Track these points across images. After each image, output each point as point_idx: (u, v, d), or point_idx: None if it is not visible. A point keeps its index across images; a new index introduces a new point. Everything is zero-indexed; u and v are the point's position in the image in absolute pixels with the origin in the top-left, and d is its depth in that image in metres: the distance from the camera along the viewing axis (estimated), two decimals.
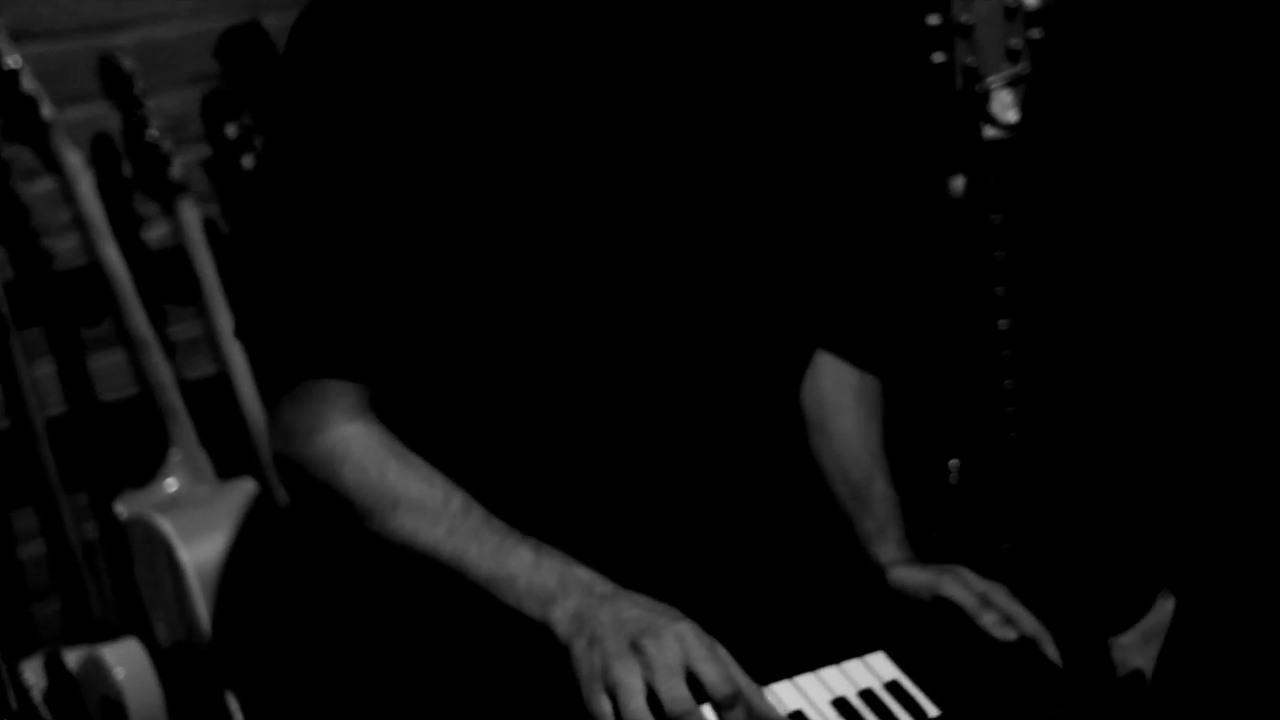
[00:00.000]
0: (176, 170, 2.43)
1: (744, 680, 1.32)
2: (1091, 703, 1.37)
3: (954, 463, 1.83)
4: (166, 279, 2.57)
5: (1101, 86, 1.77)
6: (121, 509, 2.43)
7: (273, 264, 1.50)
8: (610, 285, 1.48)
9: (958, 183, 1.76)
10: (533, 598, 1.41)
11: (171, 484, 2.45)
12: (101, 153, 2.56)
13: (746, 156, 1.53)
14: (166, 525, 2.30)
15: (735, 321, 1.55)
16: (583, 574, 1.42)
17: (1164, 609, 1.53)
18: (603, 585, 1.40)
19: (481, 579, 1.44)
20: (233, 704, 2.34)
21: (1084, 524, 1.84)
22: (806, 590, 1.57)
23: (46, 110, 2.33)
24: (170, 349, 2.58)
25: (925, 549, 1.63)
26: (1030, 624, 1.47)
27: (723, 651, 1.33)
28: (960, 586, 1.50)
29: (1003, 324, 1.72)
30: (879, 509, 1.60)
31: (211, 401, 2.56)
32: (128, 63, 2.44)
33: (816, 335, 1.67)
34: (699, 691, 1.30)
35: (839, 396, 1.65)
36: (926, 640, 1.46)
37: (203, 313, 2.51)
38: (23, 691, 1.97)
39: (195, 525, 2.32)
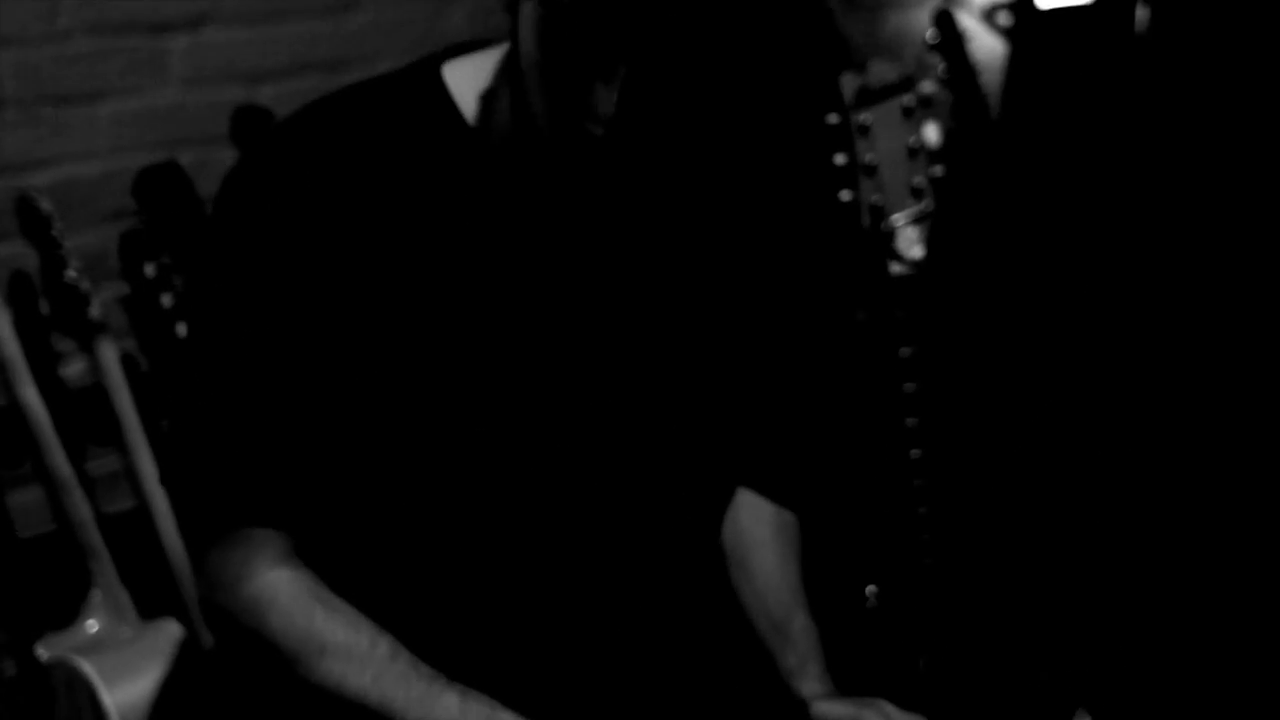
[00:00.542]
0: (95, 310, 2.44)
1: None
2: None
3: (871, 589, 1.87)
4: (85, 417, 2.57)
5: (999, 219, 1.83)
6: (43, 651, 2.41)
7: (199, 416, 1.52)
8: (524, 430, 1.52)
9: (862, 316, 1.81)
10: None
11: (93, 625, 2.43)
12: (19, 291, 2.57)
13: (656, 302, 1.57)
14: (89, 668, 2.29)
15: (652, 463, 1.59)
16: (508, 719, 1.43)
17: None
18: None
19: None
20: None
21: (1000, 645, 1.87)
22: None
23: None
24: (89, 484, 2.58)
25: (845, 676, 1.66)
26: None
27: None
28: (881, 719, 1.53)
29: (915, 453, 1.76)
30: (800, 643, 1.63)
31: (132, 537, 2.55)
32: (45, 204, 2.46)
33: (733, 473, 1.71)
34: None
35: (757, 533, 1.69)
36: None
37: (123, 449, 2.51)
38: None
39: (118, 668, 2.30)
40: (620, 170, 1.47)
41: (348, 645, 1.49)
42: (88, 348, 2.49)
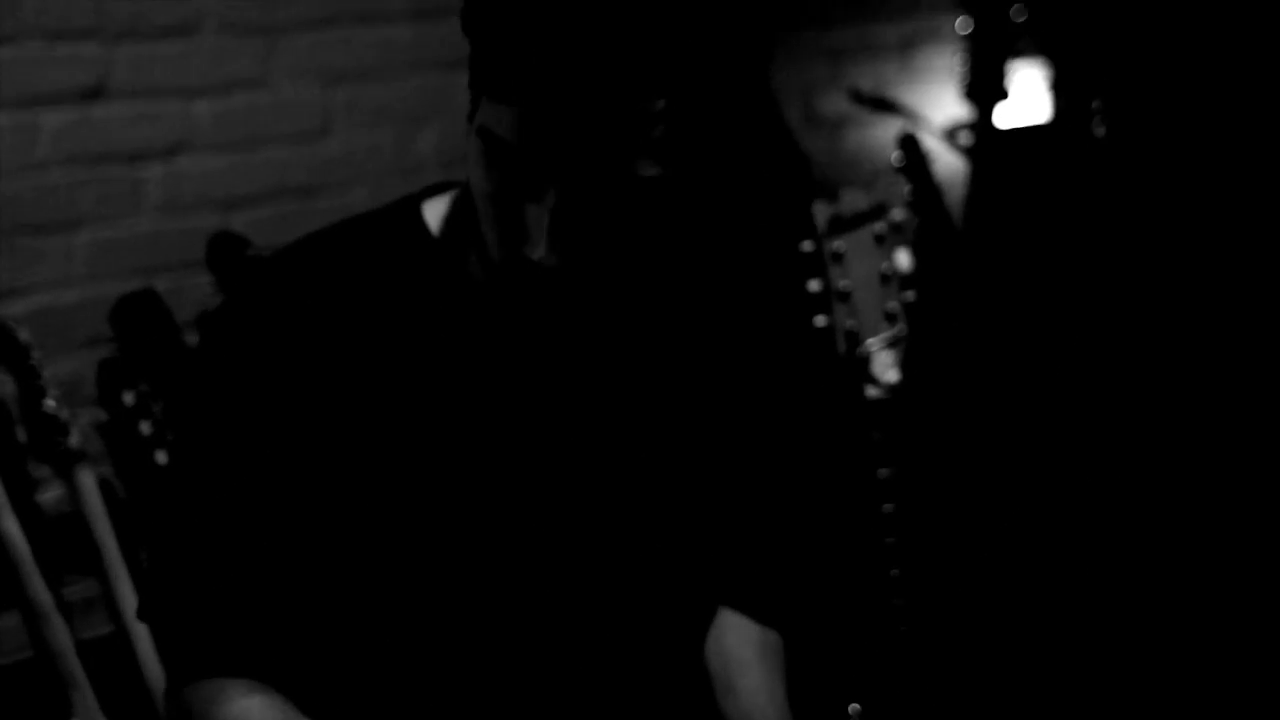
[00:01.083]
0: (75, 439, 2.46)
1: None
2: None
3: (854, 708, 1.88)
4: (64, 545, 2.57)
5: (972, 344, 1.87)
6: None
7: (178, 556, 1.54)
8: (503, 557, 1.54)
9: (840, 439, 1.84)
10: None
11: None
12: None
13: (634, 430, 1.60)
14: None
15: (634, 585, 1.61)
16: None
17: None
18: None
19: None
20: None
21: None
22: None
23: None
24: (66, 609, 2.57)
25: None
26: None
27: None
28: None
29: (894, 572, 1.79)
30: None
31: (109, 662, 2.54)
32: (24, 333, 2.48)
33: (717, 594, 1.73)
34: None
35: (743, 653, 1.70)
36: None
37: (101, 577, 2.51)
38: None
39: None
40: (589, 299, 1.51)
41: None
42: (66, 475, 2.49)
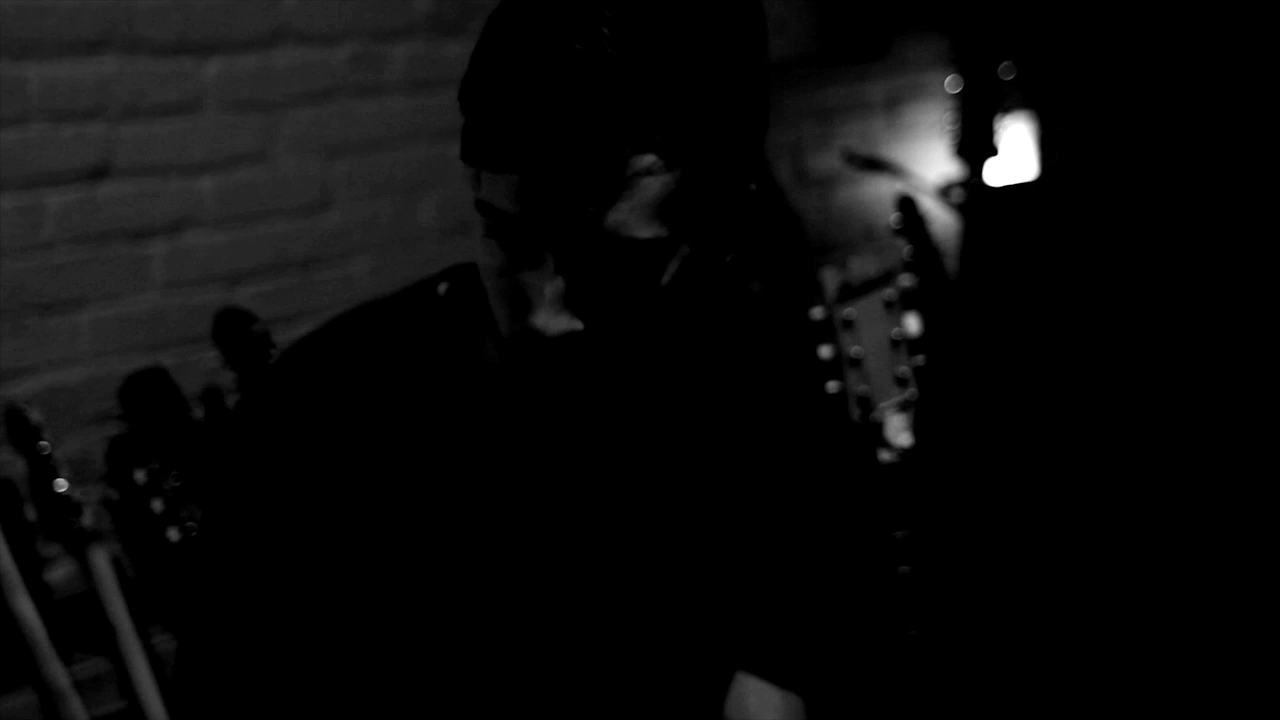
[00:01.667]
0: (87, 519, 2.47)
1: None
2: None
3: None
4: (75, 624, 2.58)
5: (981, 405, 1.90)
6: None
7: (207, 665, 1.56)
8: (531, 634, 1.55)
9: (855, 501, 1.86)
10: None
11: None
12: (6, 499, 2.58)
13: (657, 501, 1.61)
14: None
15: (658, 651, 1.62)
16: None
17: None
18: None
19: None
20: None
21: None
22: None
23: None
24: (77, 687, 2.58)
25: None
26: None
27: None
28: None
29: (912, 633, 1.81)
30: None
31: None
32: (35, 414, 2.49)
33: (737, 658, 1.74)
34: None
35: (764, 716, 1.71)
36: None
37: (114, 656, 2.51)
38: None
39: None
40: (599, 371, 1.51)
41: None
42: (78, 554, 2.50)
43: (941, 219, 3.40)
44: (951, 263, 3.32)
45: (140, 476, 2.51)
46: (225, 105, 2.95)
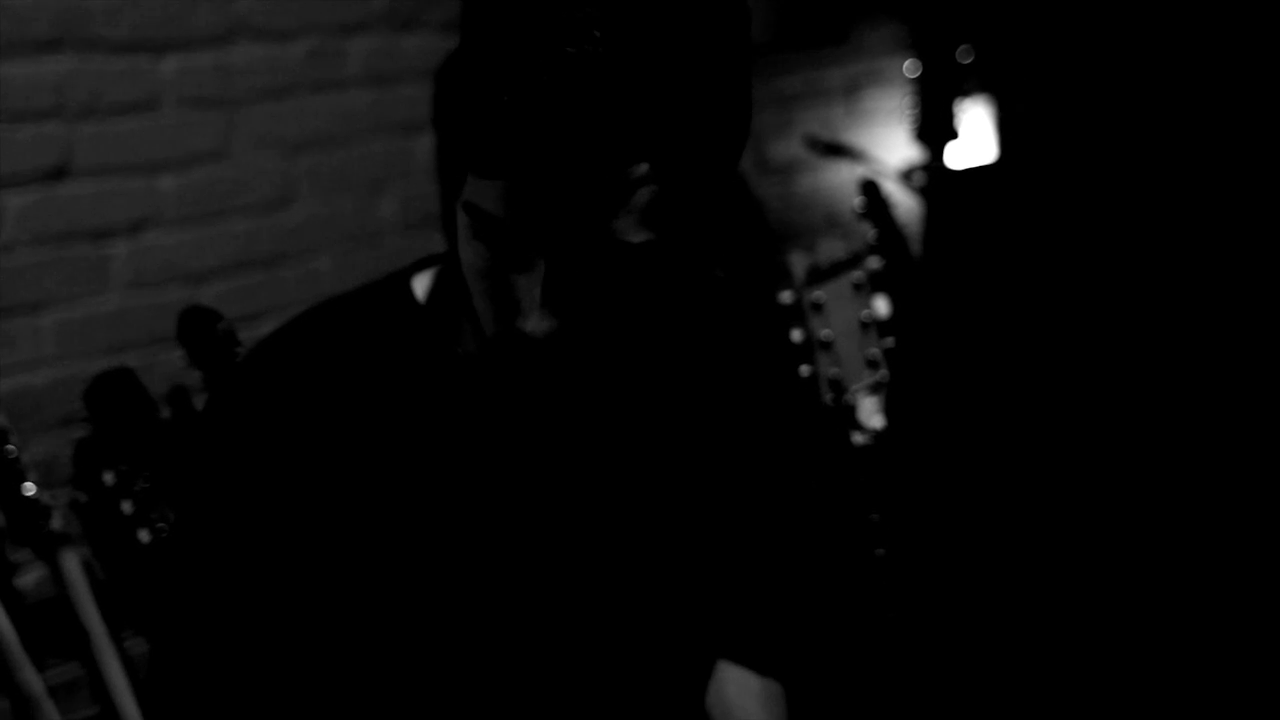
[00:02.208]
0: (57, 522, 2.45)
1: None
2: None
3: None
4: (46, 629, 2.56)
5: (950, 387, 1.90)
6: None
7: (184, 660, 1.55)
8: (502, 627, 1.55)
9: (830, 486, 1.86)
10: None
11: None
12: None
13: (631, 493, 1.61)
14: None
15: (635, 644, 1.62)
16: None
17: None
18: None
19: None
20: None
21: None
22: None
23: None
24: (51, 693, 2.56)
25: None
26: None
27: None
28: None
29: (890, 615, 1.82)
30: None
31: None
32: (0, 418, 2.47)
33: (716, 647, 1.74)
34: None
35: (745, 704, 1.71)
36: None
37: (87, 661, 2.50)
38: None
39: None
40: (582, 368, 1.51)
41: None
42: (48, 558, 2.48)
43: (904, 203, 3.41)
44: (915, 246, 3.33)
45: (109, 478, 2.49)
46: (184, 103, 2.93)
